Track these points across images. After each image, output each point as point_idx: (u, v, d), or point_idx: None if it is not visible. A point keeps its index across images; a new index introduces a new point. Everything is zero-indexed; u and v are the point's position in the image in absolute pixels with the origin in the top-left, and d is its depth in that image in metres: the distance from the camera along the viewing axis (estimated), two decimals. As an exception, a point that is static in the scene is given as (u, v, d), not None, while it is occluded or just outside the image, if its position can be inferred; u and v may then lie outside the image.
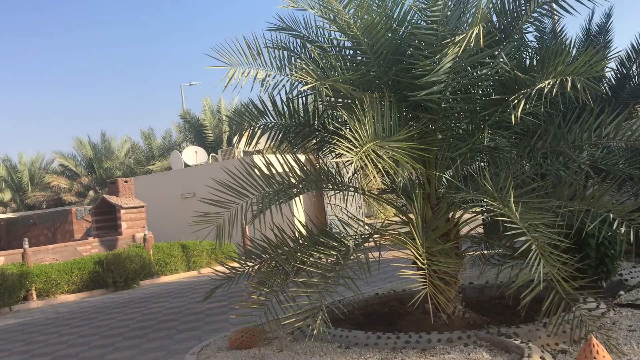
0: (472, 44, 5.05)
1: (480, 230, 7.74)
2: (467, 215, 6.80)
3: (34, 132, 78.30)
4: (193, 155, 23.42)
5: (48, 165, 35.04)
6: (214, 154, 24.65)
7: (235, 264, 7.27)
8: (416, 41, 5.94)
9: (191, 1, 77.16)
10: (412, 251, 5.27)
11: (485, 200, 5.21)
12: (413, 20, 6.18)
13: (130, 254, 14.71)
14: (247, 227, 6.11)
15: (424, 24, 6.10)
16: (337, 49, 6.63)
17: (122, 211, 17.86)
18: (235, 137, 7.88)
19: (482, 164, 6.96)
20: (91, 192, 30.89)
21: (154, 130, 33.22)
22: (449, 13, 6.00)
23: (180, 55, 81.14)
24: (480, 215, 6.98)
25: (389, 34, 6.02)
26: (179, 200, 21.60)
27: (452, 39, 5.25)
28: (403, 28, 6.11)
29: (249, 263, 6.97)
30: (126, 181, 18.94)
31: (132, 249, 15.40)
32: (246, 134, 7.46)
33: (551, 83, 5.19)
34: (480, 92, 6.38)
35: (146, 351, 7.37)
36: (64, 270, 13.93)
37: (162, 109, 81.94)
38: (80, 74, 76.99)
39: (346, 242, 6.20)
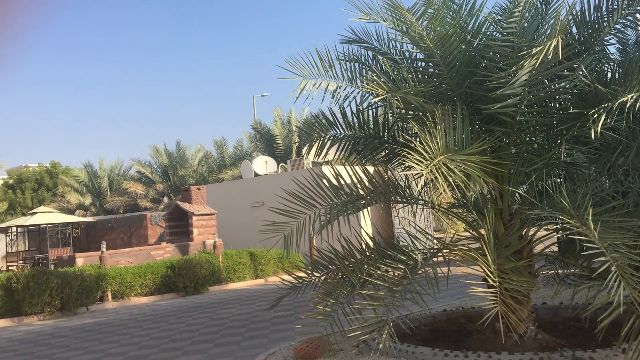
0: (550, 56, 4.89)
1: (555, 248, 7.44)
2: (541, 233, 6.56)
3: (114, 140, 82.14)
4: (263, 164, 23.83)
5: (126, 172, 36.59)
6: (283, 164, 25.00)
7: (302, 274, 7.32)
8: (491, 53, 5.82)
9: (266, 15, 79.01)
10: (482, 268, 5.13)
11: (561, 217, 5.01)
12: (488, 32, 6.06)
13: (200, 260, 15.10)
14: (314, 237, 6.12)
15: (500, 35, 5.97)
16: (409, 60, 6.59)
17: (194, 218, 18.38)
18: (305, 147, 7.97)
19: (559, 179, 6.71)
20: (165, 199, 31.97)
21: (226, 139, 33.99)
22: (525, 24, 5.85)
23: (253, 67, 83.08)
24: (556, 233, 6.71)
25: (463, 46, 5.93)
26: (248, 208, 22.02)
27: (529, 51, 5.11)
28: (477, 40, 6.01)
29: (315, 273, 7.00)
30: (199, 189, 19.51)
31: (203, 255, 15.80)
32: (316, 144, 7.53)
33: (635, 97, 4.95)
34: (557, 105, 6.16)
35: (214, 356, 7.52)
36: (138, 273, 14.47)
37: (235, 119, 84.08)
38: (157, 85, 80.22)
39: (414, 255, 6.12)
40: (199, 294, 15.01)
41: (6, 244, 24.32)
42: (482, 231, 5.87)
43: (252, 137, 32.48)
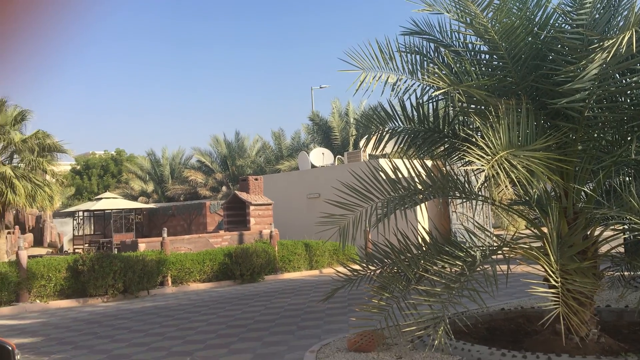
0: (622, 50, 4.67)
1: (622, 249, 7.14)
2: (607, 233, 6.31)
3: (177, 129, 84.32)
4: (320, 156, 23.92)
5: (187, 161, 37.54)
6: (340, 156, 25.01)
7: (357, 267, 7.31)
8: (559, 46, 5.62)
9: (327, 6, 79.03)
10: (544, 267, 4.98)
11: (629, 217, 4.80)
12: (556, 24, 5.85)
13: (257, 249, 15.33)
14: (370, 230, 6.11)
15: (569, 27, 5.75)
16: (472, 53, 6.45)
17: (251, 207, 18.67)
18: (362, 140, 7.94)
19: (628, 178, 6.42)
20: (224, 188, 32.62)
21: (284, 130, 34.35)
22: (597, 16, 5.61)
23: (312, 59, 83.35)
24: (623, 233, 6.44)
25: (529, 38, 5.74)
26: (304, 199, 22.17)
27: (600, 44, 4.90)
28: (545, 32, 5.81)
29: (370, 267, 6.99)
30: (256, 179, 19.79)
31: (259, 245, 16.04)
32: (374, 137, 7.48)
33: None
34: (628, 101, 5.90)
35: (268, 344, 7.63)
36: (196, 260, 14.84)
37: (293, 111, 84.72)
38: (219, 75, 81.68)
39: (472, 252, 6.01)
40: (255, 283, 15.26)
41: (73, 227, 25.44)
42: (545, 229, 5.70)
43: (310, 128, 32.64)
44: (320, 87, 38.86)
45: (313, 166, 23.64)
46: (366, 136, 7.68)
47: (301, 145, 32.80)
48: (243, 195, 19.09)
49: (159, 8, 78.04)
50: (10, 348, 2.02)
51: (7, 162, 17.77)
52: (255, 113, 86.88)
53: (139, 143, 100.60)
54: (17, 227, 24.87)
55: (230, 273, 15.22)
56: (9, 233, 22.55)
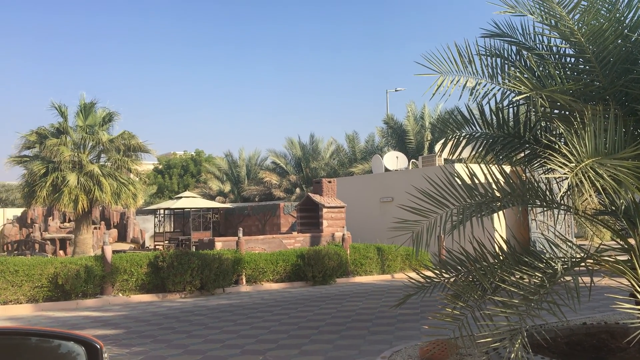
0: None
1: None
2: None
3: (253, 130, 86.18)
4: (394, 160, 23.74)
5: (262, 162, 38.27)
6: (414, 160, 24.72)
7: (430, 274, 7.19)
8: (652, 48, 5.31)
9: (402, 10, 78.42)
10: (631, 282, 4.72)
11: None
12: (649, 25, 5.53)
13: (329, 252, 15.41)
14: (444, 237, 5.97)
15: (663, 29, 5.42)
16: (557, 56, 6.20)
17: (324, 210, 18.79)
18: (438, 144, 7.81)
19: None
20: (297, 190, 33.00)
21: (358, 133, 34.37)
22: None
23: (388, 61, 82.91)
24: None
25: (619, 41, 5.46)
26: (377, 203, 22.07)
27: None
28: (636, 34, 5.50)
29: (444, 274, 6.84)
30: (330, 181, 19.89)
31: (331, 247, 16.12)
32: (450, 142, 7.34)
33: None
34: None
35: (339, 347, 7.65)
36: (270, 260, 15.10)
37: (367, 114, 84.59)
38: (293, 77, 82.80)
39: (553, 263, 5.77)
40: (327, 285, 15.33)
41: (154, 224, 26.53)
42: (632, 241, 5.39)
43: (384, 131, 32.46)
44: (396, 90, 38.46)
45: (387, 170, 23.49)
46: (442, 140, 7.54)
47: (375, 148, 32.67)
48: (316, 198, 19.24)
49: (244, 14, 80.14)
50: (98, 346, 2.12)
51: (95, 160, 18.77)
52: (330, 115, 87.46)
53: (218, 144, 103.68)
54: (102, 222, 26.23)
55: (302, 274, 15.37)
56: (95, 228, 23.82)
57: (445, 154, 14.09)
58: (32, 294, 12.18)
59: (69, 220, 25.16)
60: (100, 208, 26.14)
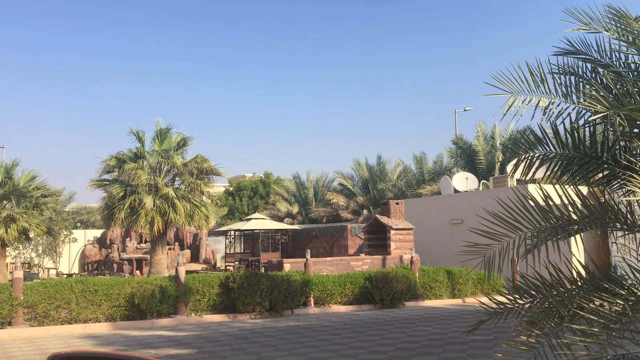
0: None
1: None
2: None
3: (320, 153, 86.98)
4: (463, 181, 23.29)
5: (329, 184, 38.48)
6: (484, 181, 24.16)
7: (503, 299, 6.96)
8: None
9: (470, 28, 77.52)
10: None
11: None
12: None
13: (397, 274, 15.23)
14: (518, 261, 5.76)
15: None
16: (635, 73, 5.95)
17: (392, 232, 18.62)
18: (509, 165, 7.62)
19: None
20: (365, 211, 32.90)
21: (425, 154, 33.87)
22: None
23: (455, 81, 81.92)
24: None
25: None
26: (446, 225, 21.66)
27: None
28: None
29: (518, 300, 6.61)
30: (397, 203, 19.73)
31: (399, 270, 15.92)
32: (523, 163, 7.14)
33: None
34: None
35: (409, 373, 7.51)
36: (338, 282, 15.07)
37: (435, 134, 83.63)
38: (359, 98, 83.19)
39: (636, 290, 5.47)
40: (395, 308, 15.13)
41: (225, 245, 27.11)
42: None
43: (453, 152, 31.92)
44: (465, 110, 37.87)
45: (456, 191, 23.07)
46: (514, 161, 7.37)
47: (443, 169, 32.17)
48: (384, 219, 19.11)
49: (316, 36, 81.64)
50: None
51: (170, 184, 19.45)
52: (397, 136, 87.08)
53: (286, 166, 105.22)
54: (176, 243, 27.06)
55: (370, 297, 15.25)
56: (169, 249, 24.61)
57: (517, 175, 13.69)
58: (110, 312, 12.69)
59: (145, 241, 26.12)
60: (175, 229, 26.99)
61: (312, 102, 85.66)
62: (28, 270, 24.82)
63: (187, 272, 15.09)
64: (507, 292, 6.94)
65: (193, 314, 13.52)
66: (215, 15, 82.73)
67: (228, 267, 24.00)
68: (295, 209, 37.09)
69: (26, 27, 73.50)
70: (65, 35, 75.43)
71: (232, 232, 26.76)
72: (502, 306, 6.71)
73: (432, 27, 78.37)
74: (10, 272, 17.79)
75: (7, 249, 20.61)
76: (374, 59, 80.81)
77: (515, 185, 19.87)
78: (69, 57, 77.26)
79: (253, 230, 25.70)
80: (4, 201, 19.44)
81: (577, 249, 7.95)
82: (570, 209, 6.26)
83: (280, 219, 35.15)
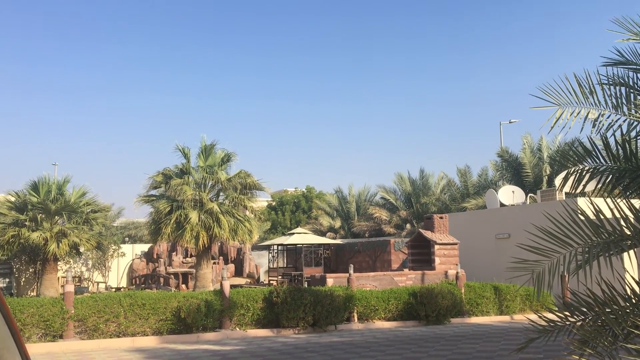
0: None
1: None
2: None
3: (362, 166, 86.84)
4: (509, 194, 22.83)
5: (372, 198, 38.32)
6: (532, 195, 23.64)
7: (553, 317, 6.76)
8: None
9: (513, 39, 76.37)
10: None
11: None
12: None
13: (442, 290, 14.99)
14: (568, 277, 5.57)
15: None
16: (691, 83, 5.74)
17: (436, 246, 18.38)
18: (558, 178, 7.44)
19: None
20: (408, 226, 32.60)
21: (469, 167, 33.30)
22: None
23: (500, 92, 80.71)
24: None
25: None
26: (492, 240, 21.25)
27: None
28: None
29: (569, 318, 6.41)
30: (441, 217, 19.48)
31: (444, 285, 15.67)
32: (572, 176, 6.96)
33: None
34: None
35: (455, 392, 7.35)
36: (382, 297, 14.94)
37: (479, 147, 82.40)
38: (401, 115, 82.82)
39: (695, 309, 5.23)
40: (440, 325, 14.88)
41: (269, 260, 27.28)
42: None
43: (498, 165, 31.37)
44: (510, 122, 37.19)
45: (502, 205, 22.63)
46: (562, 174, 7.19)
47: (488, 182, 31.62)
48: (427, 234, 18.89)
49: (335, 49, 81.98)
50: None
51: (214, 199, 19.75)
52: (439, 149, 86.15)
53: (327, 181, 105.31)
54: (221, 258, 27.39)
55: (414, 313, 15.05)
56: (214, 263, 24.91)
57: (566, 188, 13.32)
58: (157, 326, 12.90)
59: (191, 256, 26.53)
60: (219, 244, 27.33)
61: (352, 116, 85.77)
62: (78, 284, 25.53)
63: (232, 286, 15.23)
64: (557, 309, 6.74)
65: (237, 328, 13.62)
66: (256, 30, 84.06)
67: (271, 282, 24.10)
68: (337, 223, 37.06)
69: (75, 45, 76.29)
70: (113, 53, 77.96)
71: (275, 247, 26.91)
72: (552, 324, 6.53)
73: (474, 39, 77.60)
74: (62, 286, 18.33)
75: (58, 263, 21.26)
76: (415, 72, 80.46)
77: (564, 198, 19.35)
78: (118, 74, 79.76)
79: (296, 244, 25.77)
80: (56, 217, 20.11)
81: (631, 264, 7.67)
82: (622, 223, 6.06)
83: (322, 234, 35.17)
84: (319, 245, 26.66)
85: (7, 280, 23.09)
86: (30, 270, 24.07)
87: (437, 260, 18.34)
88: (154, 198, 19.61)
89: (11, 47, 70.24)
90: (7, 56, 70.24)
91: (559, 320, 6.51)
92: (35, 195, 20.04)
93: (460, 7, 74.78)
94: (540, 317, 6.72)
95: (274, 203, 48.32)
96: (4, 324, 1.50)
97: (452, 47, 78.34)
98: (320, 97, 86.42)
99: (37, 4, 70.46)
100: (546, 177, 27.98)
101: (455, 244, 18.72)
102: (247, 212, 20.10)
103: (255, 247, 30.75)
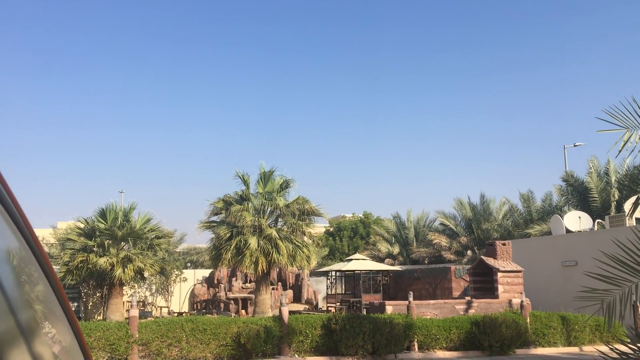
0: None
1: None
2: None
3: (420, 192, 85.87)
4: (576, 220, 22.01)
5: (431, 224, 37.74)
6: (599, 221, 22.70)
7: (625, 349, 6.42)
8: None
9: (579, 59, 74.31)
10: None
11: None
12: None
13: (506, 319, 14.51)
14: (641, 307, 5.28)
15: None
16: None
17: (499, 274, 17.86)
18: (627, 202, 7.15)
19: None
20: (469, 252, 31.87)
21: (533, 192, 32.33)
22: None
23: (563, 114, 78.41)
24: None
25: None
26: (558, 267, 20.47)
27: None
28: None
29: (644, 350, 6.08)
30: (504, 244, 18.96)
31: (508, 314, 15.17)
32: (642, 201, 6.67)
33: None
34: None
35: None
36: (442, 326, 14.60)
37: (542, 171, 80.00)
38: (461, 140, 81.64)
39: None
40: (504, 355, 14.37)
41: (327, 286, 27.21)
42: None
43: (563, 190, 30.33)
44: (575, 145, 36.02)
45: (568, 231, 21.82)
46: (632, 199, 6.91)
47: (553, 208, 30.58)
48: (490, 261, 18.40)
49: (390, 85, 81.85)
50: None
51: (273, 225, 19.96)
52: (500, 174, 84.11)
53: (385, 206, 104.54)
54: (279, 283, 27.54)
55: (477, 343, 14.61)
56: (273, 289, 25.08)
57: (637, 214, 12.74)
58: (218, 352, 13.05)
59: (250, 281, 26.81)
60: (278, 269, 27.51)
61: (411, 144, 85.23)
62: (142, 308, 26.20)
63: (290, 312, 15.27)
64: (629, 340, 6.42)
65: (296, 355, 13.59)
66: (314, 68, 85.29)
67: (329, 308, 24.00)
68: (395, 250, 36.64)
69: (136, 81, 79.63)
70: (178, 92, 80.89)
71: (333, 273, 26.84)
72: (624, 356, 6.21)
73: (536, 56, 75.93)
74: (127, 310, 18.87)
75: (124, 287, 21.92)
76: (472, 101, 79.38)
77: (635, 224, 18.48)
78: (183, 111, 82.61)
79: (354, 270, 25.62)
80: (122, 242, 20.81)
81: None
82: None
83: (380, 260, 34.83)
84: (378, 271, 26.40)
85: (76, 304, 23.97)
86: (97, 294, 24.93)
87: (500, 288, 17.81)
88: (215, 224, 20.01)
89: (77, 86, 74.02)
90: (74, 96, 74.06)
91: (632, 353, 6.19)
92: (103, 221, 20.82)
93: (517, 37, 73.58)
94: (611, 349, 6.41)
95: (331, 229, 48.33)
96: (79, 351, 1.58)
97: (516, 64, 76.86)
98: (375, 128, 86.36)
99: (110, 50, 74.16)
100: (614, 202, 26.82)
101: (520, 271, 18.14)
102: (305, 238, 20.19)
103: (314, 273, 30.76)
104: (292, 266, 19.83)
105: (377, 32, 79.35)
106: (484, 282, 18.69)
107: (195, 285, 28.68)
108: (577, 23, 70.19)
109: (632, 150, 5.89)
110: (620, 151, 5.89)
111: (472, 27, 75.17)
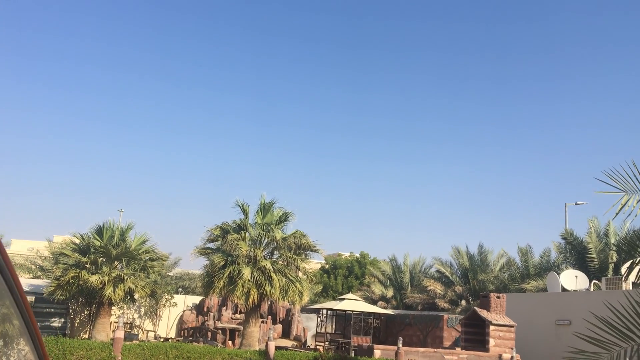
0: None
1: None
2: None
3: (418, 237, 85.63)
4: (572, 279, 21.85)
5: (427, 270, 37.44)
6: (596, 281, 22.52)
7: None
8: None
9: (580, 119, 74.94)
10: None
11: None
12: None
13: (494, 374, 14.29)
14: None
15: None
16: None
17: (491, 327, 17.66)
18: (624, 266, 7.12)
19: None
20: (463, 302, 31.53)
21: (531, 247, 32.19)
22: None
23: (565, 172, 78.65)
24: None
25: None
26: (551, 325, 20.23)
27: None
28: None
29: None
30: (498, 297, 18.80)
31: (497, 369, 14.95)
32: (638, 267, 6.65)
33: None
34: None
35: None
36: (430, 375, 14.38)
37: (542, 227, 79.82)
38: (463, 190, 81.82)
39: None
40: (491, 411, 14.09)
41: (317, 323, 26.87)
42: None
43: (561, 247, 30.18)
44: (576, 204, 36.01)
45: (564, 289, 21.63)
46: (628, 263, 6.89)
47: (551, 264, 30.39)
48: (483, 313, 18.22)
49: (379, 130, 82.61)
50: None
51: (268, 256, 19.86)
52: (500, 226, 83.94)
53: (382, 247, 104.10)
54: (269, 317, 27.22)
55: (464, 395, 14.35)
56: (262, 322, 24.79)
57: (632, 278, 12.64)
58: (200, 380, 12.84)
59: (240, 312, 26.52)
60: (269, 302, 27.23)
61: (412, 187, 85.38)
62: (129, 330, 25.87)
63: (277, 347, 15.08)
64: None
65: (279, 392, 13.36)
66: (309, 100, 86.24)
67: (318, 347, 23.66)
68: (389, 293, 36.30)
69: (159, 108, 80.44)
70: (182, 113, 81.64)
71: (325, 311, 26.55)
72: None
73: (542, 115, 76.59)
74: (113, 331, 18.64)
75: (112, 308, 21.69)
76: (476, 154, 79.83)
77: (631, 288, 18.34)
78: (186, 136, 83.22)
79: (346, 310, 25.34)
80: (116, 262, 20.69)
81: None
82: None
83: (374, 302, 34.48)
84: (370, 313, 26.12)
85: (63, 320, 23.68)
86: (86, 312, 24.65)
87: (492, 341, 17.58)
88: (210, 251, 19.91)
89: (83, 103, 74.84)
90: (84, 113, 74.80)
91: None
92: (99, 239, 20.75)
93: (522, 96, 74.49)
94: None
95: (327, 266, 48.01)
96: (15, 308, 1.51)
97: (519, 121, 77.53)
98: (382, 173, 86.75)
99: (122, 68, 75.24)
100: (612, 264, 26.67)
101: (512, 326, 17.94)
102: (300, 273, 20.05)
103: (305, 310, 30.44)
104: (284, 300, 19.64)
105: (370, 79, 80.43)
106: (476, 333, 18.46)
107: (184, 311, 28.38)
108: (583, 85, 71.06)
109: (629, 214, 5.90)
110: (617, 214, 5.91)
111: (477, 82, 76.17)
